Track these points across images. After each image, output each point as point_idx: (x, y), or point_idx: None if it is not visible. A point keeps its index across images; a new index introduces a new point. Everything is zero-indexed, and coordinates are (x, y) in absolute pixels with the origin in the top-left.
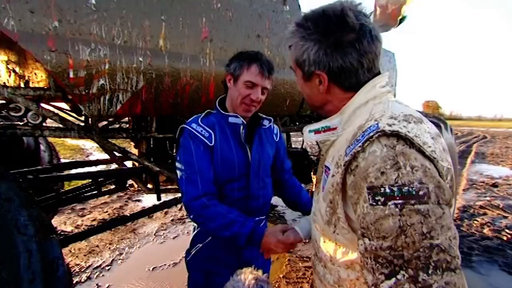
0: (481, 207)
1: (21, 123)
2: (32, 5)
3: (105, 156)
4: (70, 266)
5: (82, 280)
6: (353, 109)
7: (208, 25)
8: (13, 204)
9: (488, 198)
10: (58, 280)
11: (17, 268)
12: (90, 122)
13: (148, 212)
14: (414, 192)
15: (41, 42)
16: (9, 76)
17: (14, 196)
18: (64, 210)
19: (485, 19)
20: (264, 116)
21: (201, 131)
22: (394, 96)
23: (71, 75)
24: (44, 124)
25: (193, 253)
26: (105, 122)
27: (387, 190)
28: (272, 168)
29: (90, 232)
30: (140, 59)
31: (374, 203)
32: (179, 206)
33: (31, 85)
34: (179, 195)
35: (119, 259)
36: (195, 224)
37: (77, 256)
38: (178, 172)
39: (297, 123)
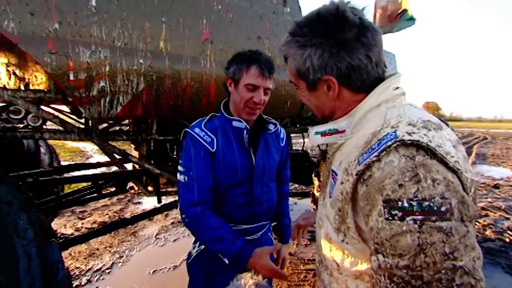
0: (482, 208)
1: (21, 126)
2: (32, 7)
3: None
4: (70, 269)
5: (82, 284)
6: (364, 112)
7: (208, 27)
8: (13, 207)
9: (489, 200)
10: (58, 284)
11: (16, 273)
12: (90, 124)
13: (149, 215)
14: (435, 208)
15: (41, 44)
16: (9, 78)
17: (14, 199)
18: (64, 213)
19: (485, 19)
20: (269, 119)
21: (204, 136)
22: None
23: (72, 77)
24: (44, 127)
25: (194, 255)
26: (105, 125)
27: (405, 204)
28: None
29: (90, 235)
30: (141, 61)
31: (390, 218)
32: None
33: (31, 87)
34: None
35: (119, 262)
36: None
37: (77, 259)
38: (177, 174)
39: (298, 125)
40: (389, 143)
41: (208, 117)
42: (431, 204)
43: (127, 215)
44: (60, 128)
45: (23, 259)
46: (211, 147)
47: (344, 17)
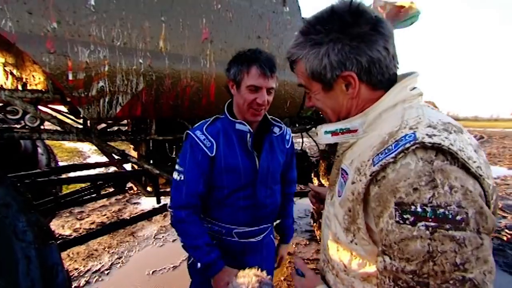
0: None
1: (19, 126)
2: (30, 6)
3: (104, 158)
4: (68, 270)
5: (81, 285)
6: (379, 112)
7: (208, 26)
8: (11, 209)
9: None
10: (58, 286)
11: (15, 275)
12: (88, 124)
13: (148, 215)
14: (450, 216)
15: (39, 43)
16: (7, 78)
17: (12, 201)
18: (62, 214)
19: (483, 19)
20: (275, 121)
21: (204, 140)
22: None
23: (70, 77)
24: (42, 127)
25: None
26: (103, 125)
27: (419, 209)
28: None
29: (89, 236)
30: (140, 60)
31: (401, 221)
32: None
33: (29, 87)
34: None
35: (118, 262)
36: None
37: (75, 260)
38: (173, 173)
39: (297, 125)
40: (408, 145)
41: (211, 119)
42: (446, 212)
43: (126, 216)
44: (59, 128)
45: (23, 261)
46: (210, 151)
47: (358, 11)
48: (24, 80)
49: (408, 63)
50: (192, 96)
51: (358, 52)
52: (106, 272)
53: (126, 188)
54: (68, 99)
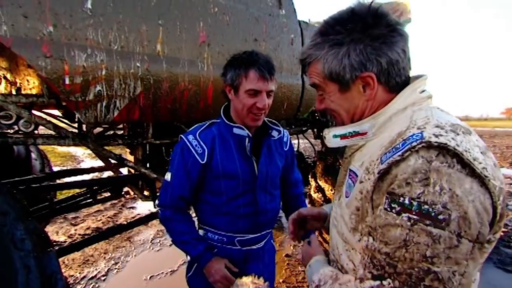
0: None
1: (12, 131)
2: (26, 9)
3: (98, 162)
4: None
5: None
6: (389, 115)
7: (205, 30)
8: (9, 217)
9: None
10: None
11: (14, 286)
12: (84, 129)
13: (146, 220)
14: (433, 214)
15: (35, 47)
16: (0, 83)
17: (9, 208)
18: (56, 219)
19: (480, 19)
20: (273, 124)
21: (196, 145)
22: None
23: (67, 81)
24: (36, 132)
25: (194, 268)
26: (100, 129)
27: (406, 202)
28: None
29: (86, 242)
30: (138, 64)
31: (389, 209)
32: None
33: (23, 92)
34: None
35: (115, 268)
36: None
37: (71, 267)
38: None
39: (293, 126)
40: (414, 143)
41: (206, 124)
42: (430, 210)
43: (121, 220)
44: (53, 133)
45: (22, 271)
46: (201, 158)
47: (379, 14)
48: (18, 84)
49: None
50: (190, 100)
51: (378, 53)
52: (102, 278)
53: (123, 193)
54: (64, 104)
